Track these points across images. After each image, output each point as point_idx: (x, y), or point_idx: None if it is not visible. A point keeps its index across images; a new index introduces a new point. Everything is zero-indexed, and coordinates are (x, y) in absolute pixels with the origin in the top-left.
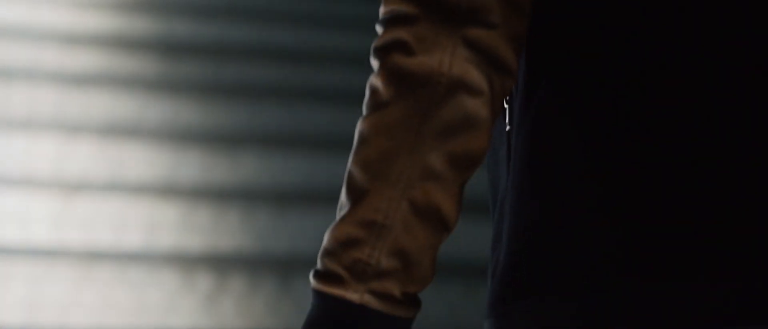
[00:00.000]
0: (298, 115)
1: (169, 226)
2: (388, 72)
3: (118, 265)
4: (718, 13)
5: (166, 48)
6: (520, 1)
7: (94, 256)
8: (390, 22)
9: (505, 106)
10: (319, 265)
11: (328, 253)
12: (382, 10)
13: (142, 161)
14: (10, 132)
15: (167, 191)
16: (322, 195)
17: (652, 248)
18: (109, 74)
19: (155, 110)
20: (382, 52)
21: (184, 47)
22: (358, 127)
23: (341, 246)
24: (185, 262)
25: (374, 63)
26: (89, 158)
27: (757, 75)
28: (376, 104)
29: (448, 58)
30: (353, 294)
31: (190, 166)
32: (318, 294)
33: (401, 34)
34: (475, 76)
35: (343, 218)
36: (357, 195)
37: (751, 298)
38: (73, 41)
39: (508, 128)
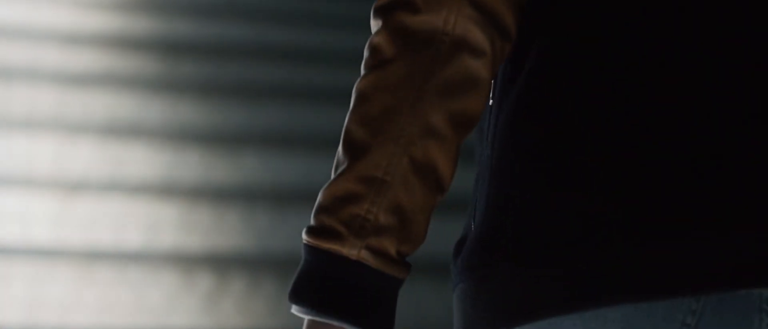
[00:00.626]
0: (298, 114)
1: (169, 226)
2: (391, 30)
3: (119, 265)
4: (720, 6)
5: (167, 48)
6: None
7: (95, 256)
8: None
9: None
10: (313, 222)
11: (324, 209)
12: None
13: (143, 161)
14: (11, 132)
15: (167, 190)
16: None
17: (639, 213)
18: (109, 74)
19: (155, 109)
20: (385, 11)
21: (185, 47)
22: (357, 86)
23: (340, 202)
24: (185, 262)
25: (376, 22)
26: (89, 157)
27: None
28: (379, 62)
29: (453, 17)
30: (350, 250)
31: (191, 166)
32: (312, 250)
33: None
34: (479, 36)
35: (341, 174)
36: (356, 151)
37: (739, 260)
38: (74, 41)
39: (491, 101)
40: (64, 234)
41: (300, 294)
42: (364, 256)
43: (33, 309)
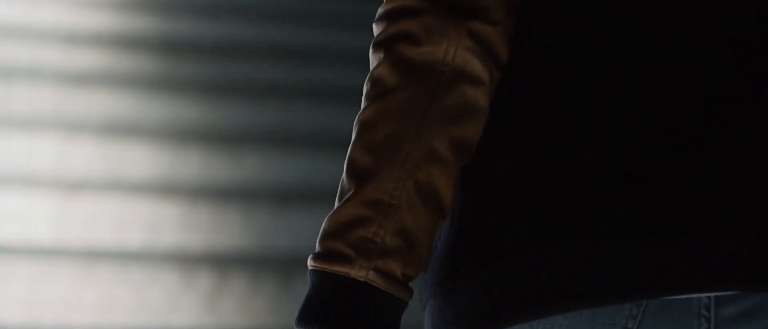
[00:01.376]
0: (298, 114)
1: (169, 225)
2: (393, 61)
3: (119, 264)
4: (717, 10)
5: (167, 47)
6: (515, 4)
7: (95, 255)
8: (394, 15)
9: None
10: (318, 248)
11: (331, 235)
12: (383, 6)
13: (143, 160)
14: (11, 131)
15: (168, 190)
16: (323, 194)
17: (620, 211)
18: (109, 73)
19: (156, 109)
20: (387, 44)
21: (185, 46)
22: (359, 117)
23: (347, 226)
24: (186, 261)
25: (376, 55)
26: (90, 157)
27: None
28: (381, 92)
29: (452, 48)
30: (359, 272)
31: (191, 165)
32: (319, 274)
33: (408, 25)
34: (478, 66)
35: (347, 201)
36: (362, 177)
37: (678, 267)
38: (74, 40)
39: None
40: (64, 233)
41: (308, 318)
42: (372, 278)
43: (33, 308)
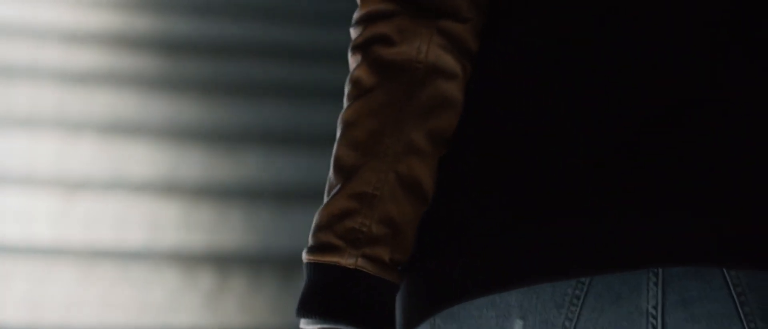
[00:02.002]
0: (299, 113)
1: (170, 224)
2: (370, 63)
3: (120, 263)
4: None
5: (168, 46)
6: (483, 2)
7: (96, 254)
8: (368, 19)
9: None
10: (311, 241)
11: (321, 228)
12: (358, 12)
13: (144, 159)
14: (12, 130)
15: (169, 189)
16: (324, 193)
17: (546, 197)
18: (110, 72)
19: (157, 108)
20: (363, 47)
21: (186, 45)
22: (342, 117)
23: (335, 218)
24: (187, 260)
25: (355, 58)
26: (91, 156)
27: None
28: (361, 92)
29: (425, 46)
30: (348, 260)
31: (192, 164)
32: (313, 266)
33: (382, 28)
34: (450, 61)
35: (334, 195)
36: (348, 172)
37: (621, 244)
38: (75, 40)
39: None
40: (65, 233)
41: (306, 307)
42: (361, 264)
43: (34, 307)
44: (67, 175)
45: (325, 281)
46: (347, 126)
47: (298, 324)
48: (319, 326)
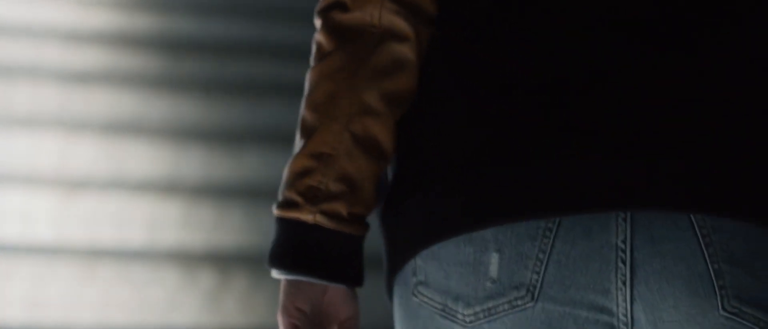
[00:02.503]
0: (300, 112)
1: (171, 223)
2: (328, 27)
3: (121, 262)
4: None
5: (169, 45)
6: None
7: (97, 253)
8: None
9: None
10: (279, 196)
11: (285, 185)
12: None
13: (145, 159)
14: (13, 130)
15: (169, 188)
16: None
17: (519, 137)
18: (111, 72)
19: (157, 107)
20: (323, 12)
21: (187, 44)
22: (306, 78)
23: (297, 176)
24: (187, 259)
25: (318, 22)
26: (91, 155)
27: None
28: (321, 55)
29: (377, 12)
30: (307, 215)
31: (193, 163)
32: (279, 221)
33: None
34: (402, 25)
35: (297, 154)
36: (308, 132)
37: (589, 186)
38: (76, 39)
39: None
40: (66, 232)
41: (273, 259)
42: (320, 220)
43: (35, 306)
44: (68, 174)
45: (288, 235)
46: (309, 88)
47: None
48: (284, 277)
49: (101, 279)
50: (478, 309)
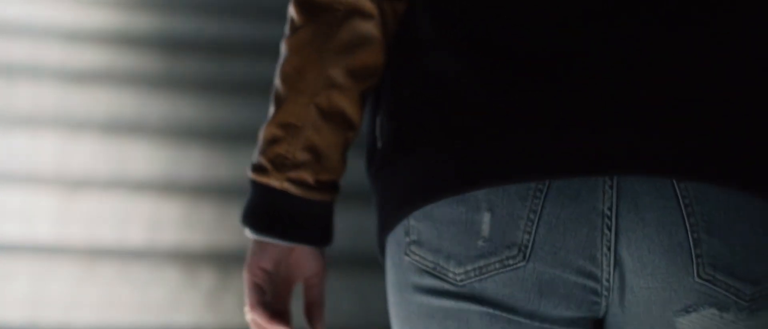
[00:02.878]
0: None
1: (171, 223)
2: (299, 3)
3: (121, 262)
4: None
5: (169, 45)
6: None
7: (97, 253)
8: None
9: None
10: (253, 159)
11: (259, 150)
12: None
13: (145, 158)
14: (13, 129)
15: (170, 187)
16: None
17: (517, 102)
18: (111, 71)
19: (157, 106)
20: None
21: (187, 44)
22: (281, 48)
23: (267, 143)
24: (188, 259)
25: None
26: (92, 154)
27: None
28: (292, 29)
29: None
30: (275, 182)
31: (193, 163)
32: (252, 183)
33: None
34: (366, 3)
35: (269, 121)
36: (278, 102)
37: (578, 151)
38: (76, 38)
39: None
40: (66, 231)
41: (245, 218)
42: (287, 186)
43: (35, 306)
44: (68, 174)
45: (259, 198)
46: (281, 58)
47: (298, 324)
48: (254, 237)
49: (101, 278)
50: (469, 267)
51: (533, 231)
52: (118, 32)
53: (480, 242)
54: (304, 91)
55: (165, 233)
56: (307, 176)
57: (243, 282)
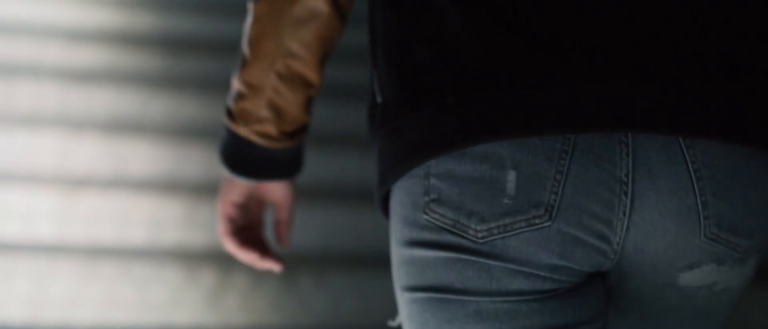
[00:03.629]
0: None
1: (172, 222)
2: None
3: (122, 261)
4: None
5: (170, 44)
6: None
7: (98, 252)
8: None
9: None
10: (227, 102)
11: (231, 97)
12: None
13: (146, 157)
14: (14, 128)
15: (171, 187)
16: (325, 191)
17: (518, 59)
18: (112, 70)
19: (159, 106)
20: None
21: (187, 43)
22: (247, 4)
23: (236, 96)
24: (189, 258)
25: None
26: (93, 154)
27: None
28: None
29: None
30: (243, 131)
31: (194, 162)
32: (224, 127)
33: None
34: None
35: (238, 74)
36: (244, 61)
37: (599, 107)
38: (77, 37)
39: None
40: (67, 231)
41: (220, 157)
42: (254, 138)
43: (36, 305)
44: (69, 173)
45: (230, 141)
46: (247, 25)
47: (299, 323)
48: (226, 174)
49: (102, 277)
50: (492, 225)
51: (560, 192)
52: (119, 32)
53: (505, 200)
54: (263, 58)
55: (166, 232)
56: (271, 129)
57: (217, 215)
